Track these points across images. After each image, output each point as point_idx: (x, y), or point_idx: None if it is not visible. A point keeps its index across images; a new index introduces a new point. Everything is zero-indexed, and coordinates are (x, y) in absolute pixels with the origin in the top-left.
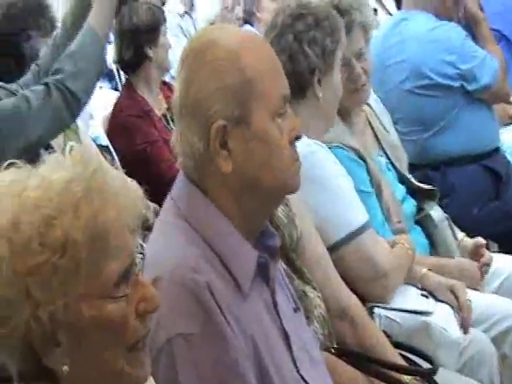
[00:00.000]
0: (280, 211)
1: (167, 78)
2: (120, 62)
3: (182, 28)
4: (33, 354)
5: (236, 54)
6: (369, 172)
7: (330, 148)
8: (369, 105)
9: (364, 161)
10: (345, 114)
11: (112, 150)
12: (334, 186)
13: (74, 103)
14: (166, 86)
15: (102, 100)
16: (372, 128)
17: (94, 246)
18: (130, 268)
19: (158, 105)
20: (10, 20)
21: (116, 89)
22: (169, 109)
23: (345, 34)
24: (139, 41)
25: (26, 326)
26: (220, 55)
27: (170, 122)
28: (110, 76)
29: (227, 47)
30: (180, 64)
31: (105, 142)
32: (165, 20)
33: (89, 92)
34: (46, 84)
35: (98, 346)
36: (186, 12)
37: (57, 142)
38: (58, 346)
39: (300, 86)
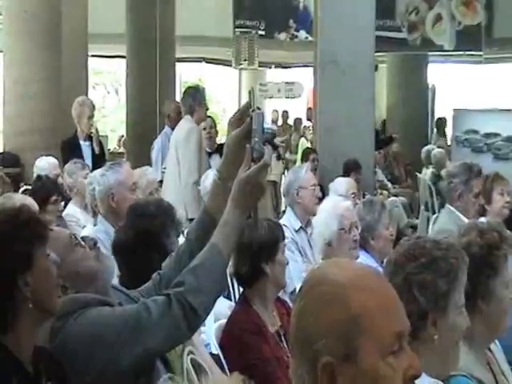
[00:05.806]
0: None
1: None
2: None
3: (297, 243)
4: None
5: (343, 289)
6: None
7: (454, 376)
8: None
9: None
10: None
11: (223, 359)
12: None
13: (193, 318)
14: (280, 303)
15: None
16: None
17: None
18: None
19: (271, 321)
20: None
21: (228, 297)
22: (282, 326)
23: (465, 272)
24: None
25: None
26: (327, 290)
27: (283, 340)
28: None
29: (335, 282)
30: (297, 296)
31: (215, 350)
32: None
33: (208, 309)
34: (168, 295)
35: None
36: (301, 227)
37: None
38: None
39: (412, 327)
